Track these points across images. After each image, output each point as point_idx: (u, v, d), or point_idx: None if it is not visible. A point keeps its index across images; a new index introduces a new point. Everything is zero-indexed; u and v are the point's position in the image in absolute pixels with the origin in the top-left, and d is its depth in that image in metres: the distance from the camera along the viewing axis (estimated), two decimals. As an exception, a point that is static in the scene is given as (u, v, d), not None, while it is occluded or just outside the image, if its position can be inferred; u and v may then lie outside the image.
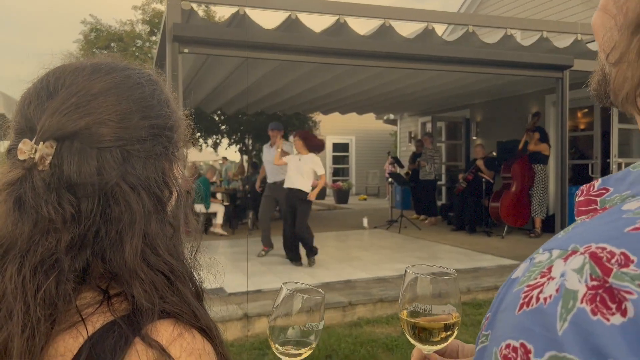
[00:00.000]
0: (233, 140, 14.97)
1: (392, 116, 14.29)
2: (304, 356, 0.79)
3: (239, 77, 7.25)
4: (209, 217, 8.84)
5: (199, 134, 13.74)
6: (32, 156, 0.57)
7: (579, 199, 0.46)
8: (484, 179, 8.78)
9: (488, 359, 0.38)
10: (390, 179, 10.83)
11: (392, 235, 8.80)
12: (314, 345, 0.79)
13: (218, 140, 15.24)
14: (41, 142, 0.58)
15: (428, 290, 0.73)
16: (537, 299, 0.35)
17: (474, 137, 10.86)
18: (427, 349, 0.73)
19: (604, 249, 0.35)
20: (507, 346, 0.36)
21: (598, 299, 0.33)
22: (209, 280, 0.69)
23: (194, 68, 6.66)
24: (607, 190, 0.44)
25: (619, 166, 6.72)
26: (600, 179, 0.45)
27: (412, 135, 13.14)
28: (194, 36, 4.58)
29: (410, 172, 10.89)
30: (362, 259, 6.51)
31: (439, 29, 5.53)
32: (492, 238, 8.22)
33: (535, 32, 5.94)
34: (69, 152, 0.58)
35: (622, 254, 0.34)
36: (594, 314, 0.33)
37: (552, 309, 0.34)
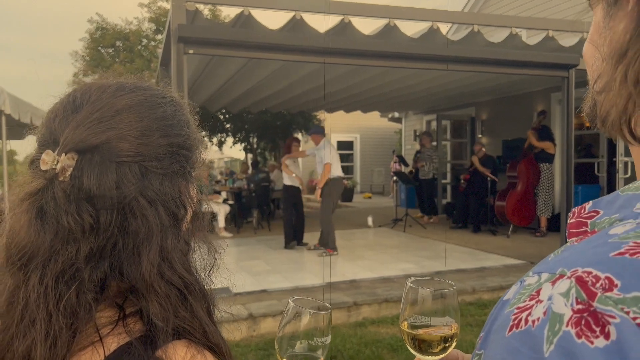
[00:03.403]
0: (238, 138, 15.03)
1: (397, 114, 14.27)
2: None
3: (244, 76, 7.26)
4: (214, 216, 8.87)
5: (204, 132, 13.86)
6: (53, 167, 0.59)
7: (570, 220, 0.47)
8: (488, 178, 8.78)
9: None
10: (395, 178, 10.84)
11: (397, 234, 8.81)
12: None
13: (223, 139, 15.30)
14: (63, 154, 0.59)
15: (428, 302, 0.74)
16: (526, 321, 0.37)
17: (479, 136, 10.83)
18: (427, 359, 0.74)
19: (589, 273, 0.36)
20: None
21: (583, 322, 0.34)
22: (216, 281, 0.70)
23: (199, 67, 6.69)
24: (598, 212, 0.45)
25: (625, 165, 6.69)
26: (591, 202, 0.47)
27: (417, 134, 13.13)
28: (198, 37, 4.59)
29: (414, 171, 10.90)
30: (367, 258, 6.52)
31: (444, 28, 5.50)
32: (498, 237, 8.20)
33: (541, 31, 5.92)
34: (89, 164, 0.59)
35: (607, 278, 0.35)
36: (579, 337, 0.34)
37: (539, 331, 0.35)
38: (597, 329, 0.34)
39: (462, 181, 9.36)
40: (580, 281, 0.36)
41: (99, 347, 0.56)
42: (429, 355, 0.74)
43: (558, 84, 7.45)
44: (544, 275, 0.39)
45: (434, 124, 12.10)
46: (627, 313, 0.33)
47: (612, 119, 0.45)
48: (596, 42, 0.48)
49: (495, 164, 8.96)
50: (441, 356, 0.74)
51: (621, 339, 0.33)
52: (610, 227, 0.41)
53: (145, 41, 18.82)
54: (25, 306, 0.56)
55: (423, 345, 0.74)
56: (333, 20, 5.19)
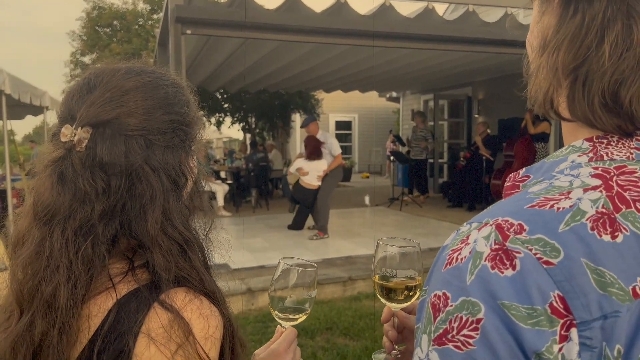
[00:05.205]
0: (236, 118, 15.04)
1: (394, 94, 14.28)
2: (299, 321, 0.92)
3: (241, 56, 7.29)
4: (213, 195, 8.96)
5: (202, 112, 13.82)
6: (71, 139, 0.70)
7: (507, 184, 0.58)
8: (484, 157, 8.86)
9: (425, 308, 0.49)
10: (392, 157, 10.91)
11: (393, 212, 8.93)
12: (308, 312, 0.92)
13: (221, 119, 15.31)
14: (80, 128, 0.70)
15: (395, 258, 0.86)
16: (456, 259, 0.47)
17: (476, 115, 10.88)
18: (394, 306, 0.86)
19: (507, 221, 0.46)
20: (434, 295, 0.47)
21: (497, 258, 0.44)
22: (216, 257, 0.80)
23: (196, 47, 6.72)
24: (529, 177, 0.55)
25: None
26: (524, 168, 0.57)
27: (415, 113, 13.16)
28: (196, 17, 4.63)
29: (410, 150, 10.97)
30: (363, 236, 6.65)
31: (439, 8, 5.54)
32: (492, 215, 8.30)
33: (536, 11, 5.94)
34: (101, 137, 0.70)
35: (519, 224, 0.46)
36: (493, 268, 0.44)
37: (465, 266, 0.46)
38: (508, 262, 0.44)
39: (462, 159, 9.43)
40: (498, 227, 0.46)
41: (112, 292, 0.67)
42: (395, 303, 0.85)
43: (553, 64, 7.46)
44: (474, 224, 0.49)
45: (431, 104, 12.13)
46: (530, 250, 0.44)
47: (539, 100, 0.55)
48: (528, 36, 0.59)
49: (496, 145, 9.02)
50: (407, 304, 0.85)
51: (523, 269, 0.43)
52: (531, 187, 0.51)
53: (141, 21, 18.68)
54: (50, 255, 0.67)
55: (391, 294, 0.85)
56: (328, 0, 5.22)
